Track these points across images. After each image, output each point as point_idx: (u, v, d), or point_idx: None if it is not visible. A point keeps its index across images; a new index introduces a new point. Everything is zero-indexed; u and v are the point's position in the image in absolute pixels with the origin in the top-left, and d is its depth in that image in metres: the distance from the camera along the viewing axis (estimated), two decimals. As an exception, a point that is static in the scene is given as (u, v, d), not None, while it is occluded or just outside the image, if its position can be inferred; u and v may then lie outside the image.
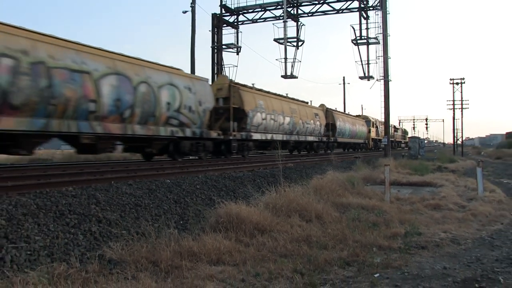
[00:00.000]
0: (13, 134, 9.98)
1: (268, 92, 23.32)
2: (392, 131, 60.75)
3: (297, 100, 27.57)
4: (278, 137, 22.90)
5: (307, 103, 29.29)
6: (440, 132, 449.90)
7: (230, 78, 30.75)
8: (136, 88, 13.24)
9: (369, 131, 45.78)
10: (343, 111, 44.33)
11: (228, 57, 64.03)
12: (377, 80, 29.91)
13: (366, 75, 31.51)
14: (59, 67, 10.82)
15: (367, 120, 46.77)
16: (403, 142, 70.08)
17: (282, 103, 24.02)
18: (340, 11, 30.41)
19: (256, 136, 20.66)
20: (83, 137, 11.82)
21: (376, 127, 49.01)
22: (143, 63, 14.22)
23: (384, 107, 28.81)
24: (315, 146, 29.97)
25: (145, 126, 13.74)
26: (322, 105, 33.62)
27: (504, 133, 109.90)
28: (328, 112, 33.05)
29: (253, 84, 22.15)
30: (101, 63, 12.18)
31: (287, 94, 26.14)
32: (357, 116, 46.02)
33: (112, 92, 12.33)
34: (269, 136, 21.96)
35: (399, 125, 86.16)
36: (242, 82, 21.24)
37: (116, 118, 12.57)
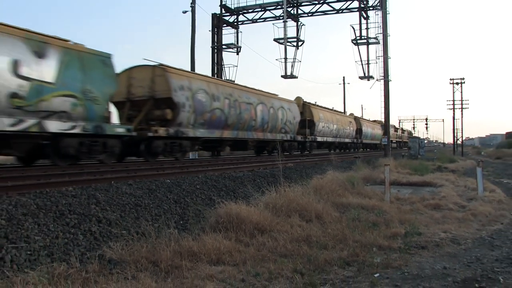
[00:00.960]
0: (221, 140, 18.75)
1: (322, 107, 32.26)
2: (400, 133, 72.09)
3: (339, 111, 38.11)
4: (329, 139, 32.12)
5: (343, 112, 40.02)
6: (440, 132, 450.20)
7: (231, 78, 31.03)
8: (269, 111, 22.07)
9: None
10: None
11: (228, 57, 64.05)
12: (377, 80, 30.01)
13: (366, 75, 31.55)
14: (242, 101, 19.43)
15: (382, 124, 51.95)
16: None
17: (332, 115, 33.07)
18: (340, 11, 30.43)
19: (319, 139, 29.59)
20: (249, 141, 20.85)
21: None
22: (270, 94, 23.50)
23: (384, 107, 28.85)
24: (349, 146, 39.42)
25: (271, 134, 22.63)
26: (351, 114, 43.17)
27: (504, 133, 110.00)
28: (357, 119, 42.03)
29: (315, 102, 30.77)
30: (255, 98, 21.07)
31: (333, 107, 35.77)
32: (374, 121, 53.44)
33: (260, 114, 21.08)
34: (324, 139, 30.91)
35: (399, 125, 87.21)
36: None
37: (260, 130, 21.36)
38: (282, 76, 30.90)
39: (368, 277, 4.84)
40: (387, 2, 28.21)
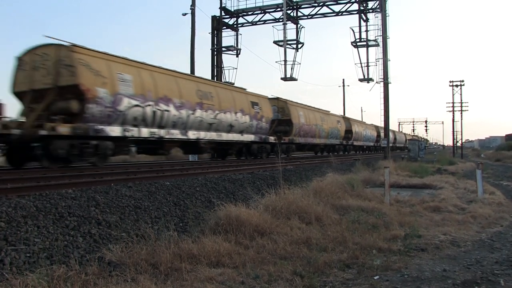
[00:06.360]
0: (306, 144, 28.37)
1: (357, 120, 44.76)
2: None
3: (365, 122, 50.03)
4: (360, 143, 43.80)
5: (364, 122, 50.10)
6: (439, 134, 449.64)
7: (230, 80, 31.07)
8: (331, 123, 33.18)
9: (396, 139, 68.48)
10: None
11: (228, 59, 64.15)
12: (376, 82, 29.92)
13: (366, 77, 31.51)
14: (319, 118, 30.37)
15: (392, 131, 63.34)
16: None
17: (362, 124, 45.33)
18: (340, 14, 30.42)
19: (354, 143, 41.20)
20: (321, 144, 31.46)
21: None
22: (326, 111, 33.61)
23: (384, 109, 28.80)
24: (371, 148, 51.13)
25: (330, 139, 32.97)
26: (372, 124, 52.40)
27: (504, 135, 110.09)
28: (376, 127, 51.64)
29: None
30: (324, 115, 31.93)
31: (374, 122, 48.02)
32: (393, 130, 66.19)
33: (326, 127, 32.00)
34: (358, 143, 42.57)
35: (399, 128, 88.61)
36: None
37: (325, 137, 31.78)
38: (281, 78, 30.83)
39: (367, 280, 4.83)
40: (386, 5, 28.25)
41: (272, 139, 22.66)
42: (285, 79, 30.69)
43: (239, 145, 20.33)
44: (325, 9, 30.69)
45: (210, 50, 32.15)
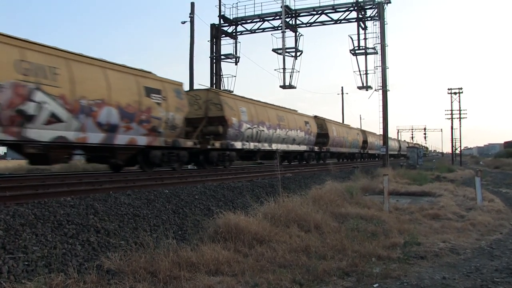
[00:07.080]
0: (334, 152, 35.32)
1: (370, 132, 50.51)
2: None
3: (376, 133, 50.89)
4: (372, 152, 49.49)
5: (375, 133, 53.38)
6: (438, 142, 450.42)
7: (229, 88, 31.18)
8: (353, 136, 40.00)
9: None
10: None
11: (226, 67, 64.42)
12: (375, 90, 29.99)
13: (364, 85, 31.58)
14: (344, 132, 37.03)
15: (395, 139, 73.00)
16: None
17: (374, 135, 50.24)
18: (338, 22, 30.56)
19: (369, 152, 47.78)
20: (346, 152, 39.38)
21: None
22: (347, 125, 41.73)
23: (383, 116, 28.86)
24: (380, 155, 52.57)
25: (352, 148, 40.23)
26: (380, 134, 58.58)
27: (502, 142, 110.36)
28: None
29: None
30: (349, 129, 39.76)
31: (373, 130, 53.38)
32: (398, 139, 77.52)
33: (350, 139, 38.53)
34: (371, 151, 48.96)
35: (398, 136, 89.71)
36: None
37: (349, 147, 38.40)
38: (280, 86, 30.88)
39: (367, 287, 4.82)
40: (385, 13, 28.45)
41: (316, 148, 29.43)
42: (284, 87, 30.74)
43: (296, 153, 27.30)
44: (323, 17, 30.87)
45: (209, 58, 32.27)
